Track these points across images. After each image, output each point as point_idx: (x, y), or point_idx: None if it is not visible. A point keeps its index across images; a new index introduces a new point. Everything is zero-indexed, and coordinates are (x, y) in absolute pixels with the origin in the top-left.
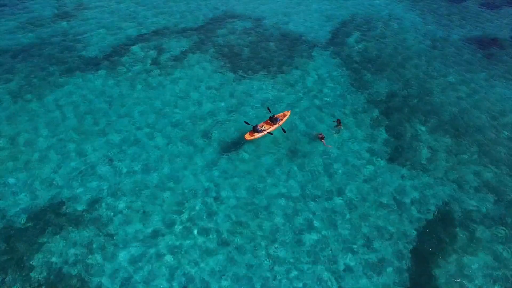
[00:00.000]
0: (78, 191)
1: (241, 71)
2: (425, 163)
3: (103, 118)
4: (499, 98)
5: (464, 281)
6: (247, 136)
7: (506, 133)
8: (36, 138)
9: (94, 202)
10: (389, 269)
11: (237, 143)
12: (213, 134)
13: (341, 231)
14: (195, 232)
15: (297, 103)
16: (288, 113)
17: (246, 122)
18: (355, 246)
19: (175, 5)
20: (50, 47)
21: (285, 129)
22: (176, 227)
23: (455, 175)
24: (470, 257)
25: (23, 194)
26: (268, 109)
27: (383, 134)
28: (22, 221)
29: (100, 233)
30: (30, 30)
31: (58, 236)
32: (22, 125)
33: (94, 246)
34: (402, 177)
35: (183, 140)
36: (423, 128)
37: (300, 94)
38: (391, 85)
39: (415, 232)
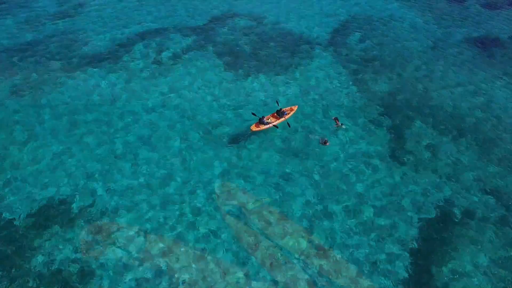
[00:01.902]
0: (79, 190)
1: (243, 68)
2: (425, 162)
3: (106, 117)
4: (500, 97)
5: (465, 280)
6: (253, 127)
7: (507, 132)
8: (38, 136)
9: (96, 201)
10: (389, 268)
11: (243, 135)
12: (218, 126)
13: (341, 228)
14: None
15: (298, 101)
16: (295, 108)
17: (253, 113)
18: (355, 244)
19: (177, 4)
20: (53, 44)
21: (290, 123)
22: (178, 220)
23: (456, 174)
24: (471, 256)
25: (24, 193)
26: (277, 102)
27: (383, 133)
28: (23, 220)
29: (105, 230)
30: (33, 28)
31: (58, 235)
32: (22, 123)
33: (95, 244)
34: (403, 175)
35: (189, 132)
36: (423, 127)
37: (301, 92)
38: (392, 85)
39: (415, 231)
